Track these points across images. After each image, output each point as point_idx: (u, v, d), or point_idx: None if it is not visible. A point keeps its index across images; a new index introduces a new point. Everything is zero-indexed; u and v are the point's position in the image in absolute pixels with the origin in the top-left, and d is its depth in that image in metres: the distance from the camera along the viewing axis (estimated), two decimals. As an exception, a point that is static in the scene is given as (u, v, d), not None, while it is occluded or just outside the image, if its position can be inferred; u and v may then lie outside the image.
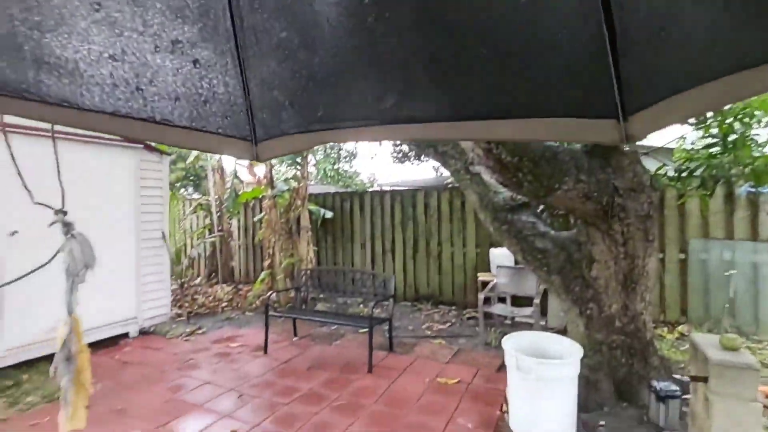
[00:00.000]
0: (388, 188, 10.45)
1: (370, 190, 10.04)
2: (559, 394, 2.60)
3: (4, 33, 0.76)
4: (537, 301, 4.28)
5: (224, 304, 6.64)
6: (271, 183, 6.69)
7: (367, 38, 0.96)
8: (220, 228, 8.37)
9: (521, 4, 0.83)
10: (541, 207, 4.50)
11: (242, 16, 0.99)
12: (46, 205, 1.04)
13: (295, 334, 4.95)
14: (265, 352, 4.40)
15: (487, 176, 3.87)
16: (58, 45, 0.83)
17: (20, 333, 3.94)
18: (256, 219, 7.69)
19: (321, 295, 6.57)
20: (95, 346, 4.37)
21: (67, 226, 1.03)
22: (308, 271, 5.45)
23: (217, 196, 8.36)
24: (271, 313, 4.53)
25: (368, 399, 3.29)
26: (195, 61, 1.01)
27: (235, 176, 8.93)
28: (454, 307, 6.17)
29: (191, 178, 15.50)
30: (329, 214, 7.20)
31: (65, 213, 1.03)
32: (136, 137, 0.95)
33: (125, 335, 4.94)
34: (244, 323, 5.65)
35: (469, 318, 5.66)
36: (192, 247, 8.62)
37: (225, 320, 5.83)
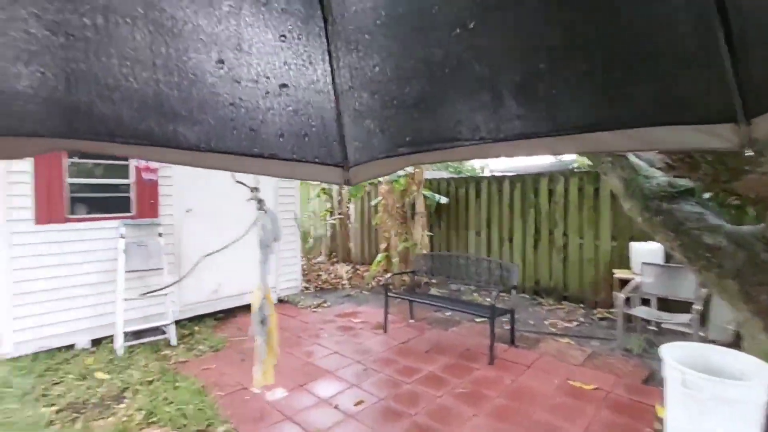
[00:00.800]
0: (498, 174, 9.87)
1: (485, 175, 9.63)
2: (739, 421, 2.13)
3: (150, 94, 0.91)
4: (698, 307, 3.59)
5: (344, 282, 7.14)
6: (388, 168, 6.88)
7: (457, 64, 0.98)
8: (339, 212, 8.98)
9: (622, 8, 0.79)
10: (707, 195, 3.72)
11: (339, 57, 1.08)
12: (243, 184, 1.17)
13: (412, 317, 5.06)
14: (385, 330, 4.59)
15: (635, 158, 3.35)
16: (190, 99, 0.96)
17: (192, 293, 4.83)
18: (372, 203, 8.03)
19: (434, 280, 6.60)
20: (247, 309, 5.08)
21: (260, 203, 1.15)
22: (424, 256, 5.49)
23: (337, 182, 8.95)
24: (389, 294, 4.70)
25: (492, 391, 3.18)
26: (298, 101, 1.12)
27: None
28: (581, 305, 5.59)
29: (313, 165, 16.97)
30: (444, 200, 7.12)
31: (258, 190, 1.15)
32: (248, 172, 1.13)
33: (266, 302, 5.69)
34: (363, 301, 6.00)
35: (601, 319, 5.07)
36: (316, 228, 9.45)
37: (345, 296, 6.26)
